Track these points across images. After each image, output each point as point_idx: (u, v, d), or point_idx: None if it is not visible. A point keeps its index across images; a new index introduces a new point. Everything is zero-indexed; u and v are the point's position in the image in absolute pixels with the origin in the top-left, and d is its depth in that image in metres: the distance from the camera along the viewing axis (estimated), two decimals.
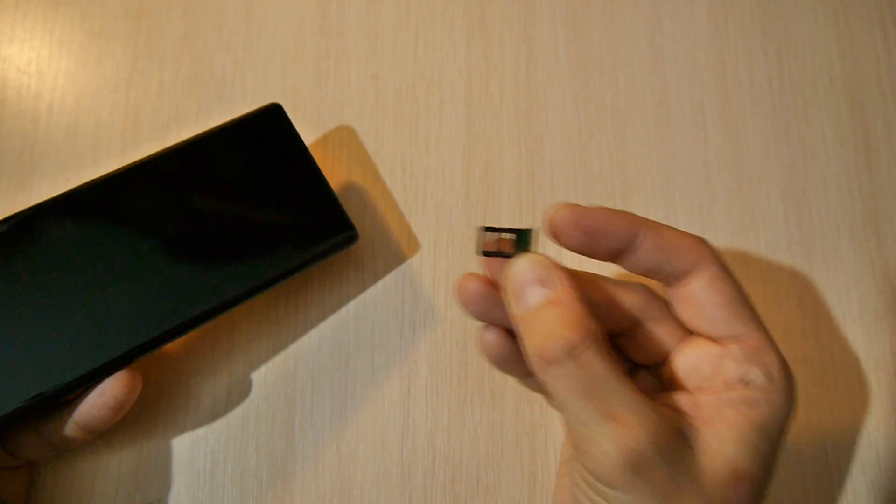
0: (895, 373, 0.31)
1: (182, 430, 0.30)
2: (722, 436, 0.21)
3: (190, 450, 0.30)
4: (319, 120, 0.34)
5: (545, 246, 0.23)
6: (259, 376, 0.31)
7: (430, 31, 0.35)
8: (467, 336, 0.31)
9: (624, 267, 0.23)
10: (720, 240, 0.32)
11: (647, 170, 0.33)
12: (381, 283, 0.32)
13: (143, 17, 0.35)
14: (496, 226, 0.23)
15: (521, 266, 0.22)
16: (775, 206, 0.33)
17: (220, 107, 0.34)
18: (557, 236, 0.22)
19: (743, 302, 0.23)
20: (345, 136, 0.34)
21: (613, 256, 0.23)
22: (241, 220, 0.29)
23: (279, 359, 0.31)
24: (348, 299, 0.32)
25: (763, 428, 0.21)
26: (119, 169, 0.29)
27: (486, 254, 0.23)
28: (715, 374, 0.22)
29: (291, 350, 0.31)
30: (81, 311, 0.26)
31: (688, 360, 0.23)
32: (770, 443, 0.21)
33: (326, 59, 0.35)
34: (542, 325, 0.21)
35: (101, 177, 0.29)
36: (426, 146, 0.34)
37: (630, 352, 0.25)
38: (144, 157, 0.29)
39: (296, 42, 0.35)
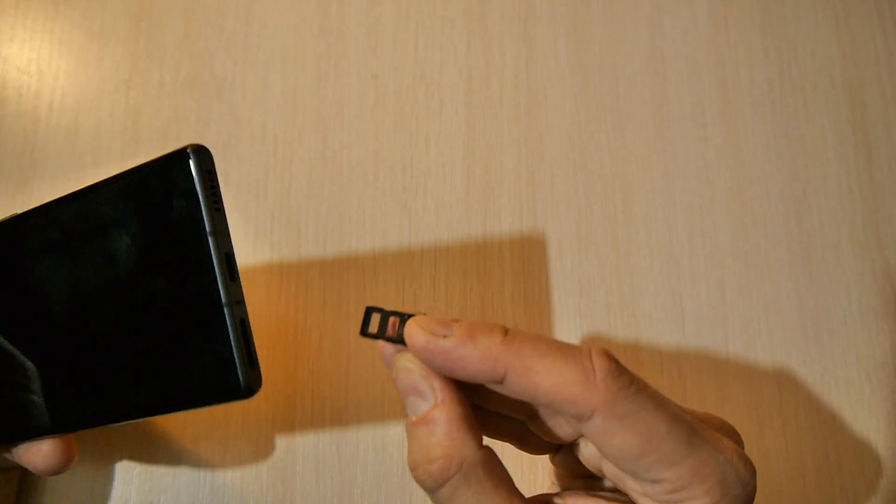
0: (895, 373, 0.31)
1: (182, 431, 0.30)
2: None
3: (190, 450, 0.30)
4: (319, 119, 0.34)
5: None
6: None
7: (430, 31, 0.35)
8: None
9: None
10: (720, 240, 0.32)
11: (647, 170, 0.33)
12: (380, 283, 0.32)
13: (143, 17, 0.35)
14: (384, 308, 0.21)
15: (398, 371, 0.20)
16: (775, 206, 0.33)
17: (220, 107, 0.34)
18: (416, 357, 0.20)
19: (648, 448, 0.18)
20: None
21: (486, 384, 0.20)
22: (98, 322, 0.22)
23: (279, 358, 0.31)
24: (348, 299, 0.32)
25: None
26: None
27: (367, 335, 0.21)
28: (637, 497, 0.20)
29: (292, 350, 0.31)
30: None
31: (606, 471, 0.21)
32: None
33: (326, 59, 0.35)
34: (412, 444, 0.20)
35: None
36: (426, 146, 0.34)
37: (538, 432, 0.23)
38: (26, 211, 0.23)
39: (296, 42, 0.35)
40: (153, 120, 0.34)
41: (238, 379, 0.20)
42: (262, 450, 0.30)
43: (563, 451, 0.24)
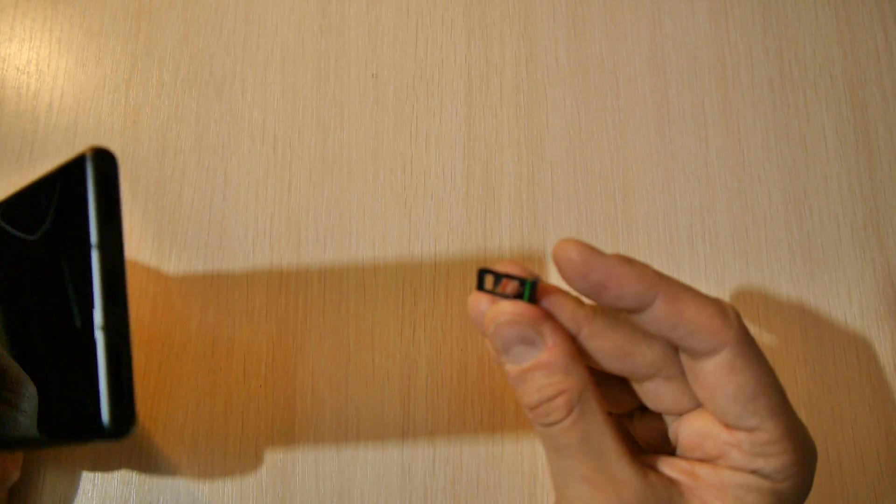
0: (895, 373, 0.31)
1: (182, 431, 0.30)
2: None
3: (190, 450, 0.30)
4: (319, 119, 0.34)
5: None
6: (259, 376, 0.31)
7: (430, 30, 0.35)
8: (467, 336, 0.31)
9: (634, 322, 0.21)
10: (720, 240, 0.32)
11: (647, 170, 0.33)
12: (380, 283, 0.32)
13: (142, 16, 0.35)
14: (499, 270, 0.21)
15: (503, 322, 0.20)
16: (775, 206, 0.33)
17: (219, 106, 0.34)
18: (562, 276, 0.20)
19: (761, 392, 0.20)
20: None
21: (623, 310, 0.21)
22: None
23: (279, 359, 0.31)
24: (348, 298, 0.32)
25: None
26: None
27: (487, 291, 0.21)
28: (719, 456, 0.21)
29: (292, 350, 0.31)
30: None
31: (692, 433, 0.21)
32: None
33: (326, 59, 0.35)
34: (530, 386, 0.20)
35: None
36: (426, 146, 0.33)
37: (637, 396, 0.23)
38: None
39: (296, 41, 0.35)
40: (153, 120, 0.34)
41: (101, 417, 0.17)
42: (262, 450, 0.30)
43: (649, 417, 0.24)
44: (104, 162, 0.19)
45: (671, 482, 0.20)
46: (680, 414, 0.22)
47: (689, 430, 0.22)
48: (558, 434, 0.20)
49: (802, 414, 0.30)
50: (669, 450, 0.23)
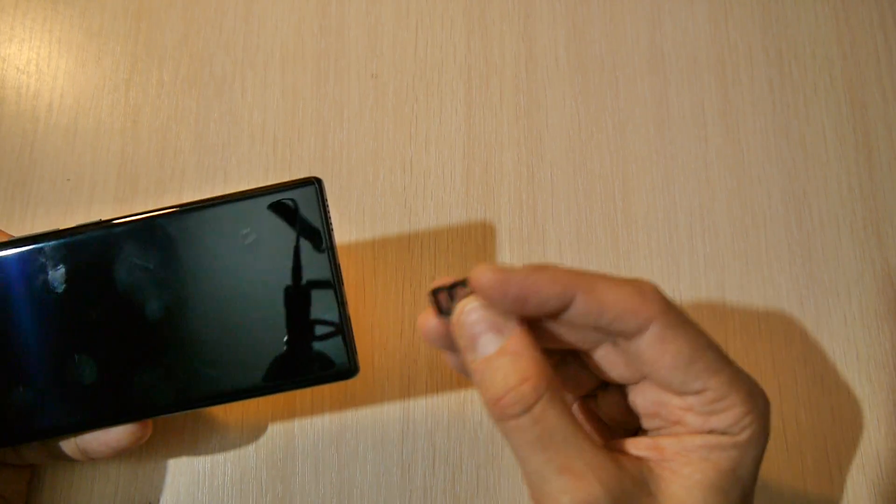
0: (895, 373, 0.31)
1: (182, 431, 0.30)
2: (688, 484, 0.20)
3: (190, 450, 0.30)
4: (319, 119, 0.34)
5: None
6: None
7: (430, 30, 0.35)
8: None
9: (564, 325, 0.22)
10: (720, 240, 0.32)
11: (647, 170, 0.33)
12: (380, 283, 0.32)
13: (142, 16, 0.35)
14: (445, 283, 0.22)
15: (470, 313, 0.21)
16: (775, 206, 0.33)
17: (219, 107, 0.34)
18: (486, 300, 0.21)
19: (696, 356, 0.20)
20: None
21: (549, 317, 0.21)
22: (230, 311, 0.26)
23: None
24: (347, 298, 0.31)
25: (731, 473, 0.20)
26: (128, 218, 0.26)
27: (440, 309, 0.22)
28: (677, 422, 0.21)
29: None
30: (109, 360, 0.26)
31: (646, 402, 0.22)
32: (740, 487, 0.20)
33: (326, 59, 0.35)
34: (495, 375, 0.20)
35: (102, 223, 0.26)
36: (426, 146, 0.33)
37: (593, 369, 0.24)
38: (152, 212, 0.26)
39: (296, 42, 0.35)
40: (153, 119, 0.34)
41: (349, 362, 0.26)
42: (262, 449, 0.30)
43: (610, 392, 0.25)
44: (322, 187, 0.26)
45: (639, 460, 0.21)
46: (636, 382, 0.22)
47: (643, 399, 0.22)
48: (527, 426, 0.20)
49: (802, 414, 0.30)
50: (634, 422, 0.23)
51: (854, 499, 0.30)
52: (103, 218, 0.26)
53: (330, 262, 0.26)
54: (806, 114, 0.34)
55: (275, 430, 0.30)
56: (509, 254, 0.32)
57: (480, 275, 0.20)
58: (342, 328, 0.25)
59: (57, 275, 0.26)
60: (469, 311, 0.21)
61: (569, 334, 0.22)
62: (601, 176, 0.33)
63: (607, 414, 0.25)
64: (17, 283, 0.26)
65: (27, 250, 0.26)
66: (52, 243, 0.26)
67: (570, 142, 0.34)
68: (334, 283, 0.25)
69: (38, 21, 0.35)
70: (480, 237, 0.32)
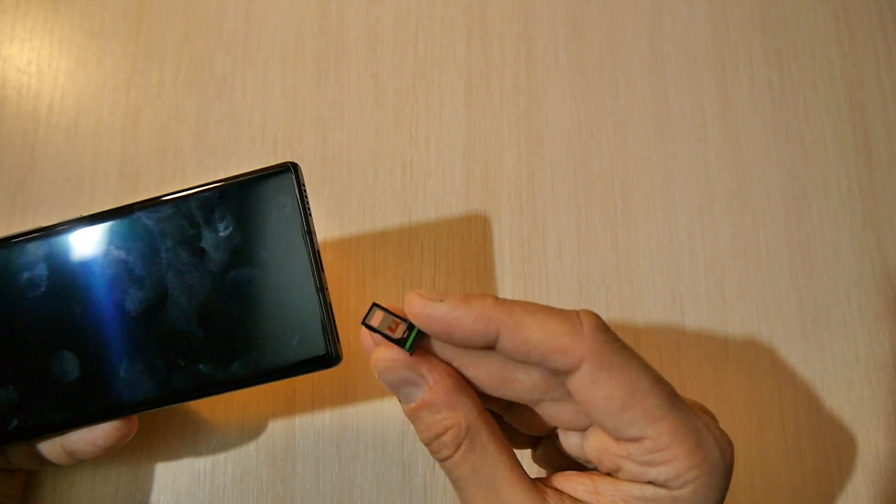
0: (895, 373, 0.31)
1: (182, 431, 0.30)
2: None
3: (190, 450, 0.30)
4: (319, 119, 0.34)
5: None
6: None
7: (430, 31, 0.35)
8: None
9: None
10: (720, 240, 0.32)
11: (647, 170, 0.33)
12: (381, 283, 0.32)
13: (142, 17, 0.35)
14: (391, 309, 0.21)
15: (384, 372, 0.21)
16: (775, 206, 0.33)
17: (220, 107, 0.34)
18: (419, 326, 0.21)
19: (633, 401, 0.19)
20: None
21: (481, 348, 0.21)
22: (209, 302, 0.25)
23: None
24: (348, 299, 0.32)
25: None
26: (106, 213, 0.26)
27: (370, 328, 0.21)
28: (617, 469, 0.20)
29: None
30: (92, 356, 0.26)
31: (590, 449, 0.21)
32: None
33: (326, 59, 0.35)
34: (419, 425, 0.21)
35: (86, 217, 0.26)
36: (426, 146, 0.34)
37: (530, 424, 0.23)
38: (130, 205, 0.26)
39: (296, 42, 0.35)
40: (153, 120, 0.34)
41: (330, 350, 0.25)
42: (262, 450, 0.30)
43: (544, 445, 0.24)
44: (299, 172, 0.25)
45: (574, 501, 0.20)
46: (583, 430, 0.22)
47: (587, 446, 0.21)
48: (451, 468, 0.21)
49: (801, 414, 0.30)
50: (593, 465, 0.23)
51: (854, 499, 0.30)
52: (83, 214, 0.26)
53: (308, 247, 0.25)
54: (805, 114, 0.34)
55: (275, 429, 0.30)
56: (509, 254, 0.32)
57: (410, 302, 0.20)
58: (322, 315, 0.25)
59: (37, 272, 0.26)
60: (382, 369, 0.21)
61: (503, 388, 0.21)
62: (601, 176, 0.33)
63: (570, 453, 0.24)
64: None
65: (7, 249, 0.26)
66: (31, 241, 0.26)
67: (570, 142, 0.34)
68: (313, 270, 0.25)
69: (39, 21, 0.35)
70: (480, 237, 0.32)
